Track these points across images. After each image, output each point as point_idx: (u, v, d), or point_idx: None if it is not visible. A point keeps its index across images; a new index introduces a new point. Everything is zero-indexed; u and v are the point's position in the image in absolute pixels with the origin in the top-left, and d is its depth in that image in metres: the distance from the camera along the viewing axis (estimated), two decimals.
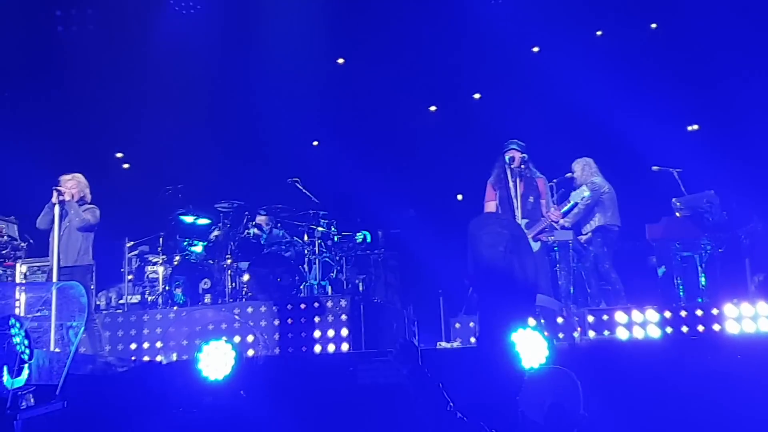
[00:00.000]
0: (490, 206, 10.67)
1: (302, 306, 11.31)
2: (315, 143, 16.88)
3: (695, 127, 15.04)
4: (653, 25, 15.65)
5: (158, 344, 11.34)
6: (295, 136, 16.15)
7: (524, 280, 8.20)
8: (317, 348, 11.02)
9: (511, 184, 10.58)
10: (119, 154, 16.81)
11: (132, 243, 12.97)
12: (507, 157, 10.65)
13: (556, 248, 11.21)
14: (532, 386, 7.60)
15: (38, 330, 9.76)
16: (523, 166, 10.64)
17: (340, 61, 16.98)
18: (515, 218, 10.34)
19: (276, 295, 11.68)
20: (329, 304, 11.29)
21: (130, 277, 12.85)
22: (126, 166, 16.74)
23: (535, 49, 16.03)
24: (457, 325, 11.11)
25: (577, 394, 7.62)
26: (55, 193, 10.51)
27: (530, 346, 7.72)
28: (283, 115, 15.82)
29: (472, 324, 10.81)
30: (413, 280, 13.53)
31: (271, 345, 11.08)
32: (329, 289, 12.22)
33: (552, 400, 7.69)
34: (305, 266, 12.41)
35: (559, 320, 10.34)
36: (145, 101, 15.84)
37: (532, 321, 8.73)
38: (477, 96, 16.41)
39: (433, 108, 16.78)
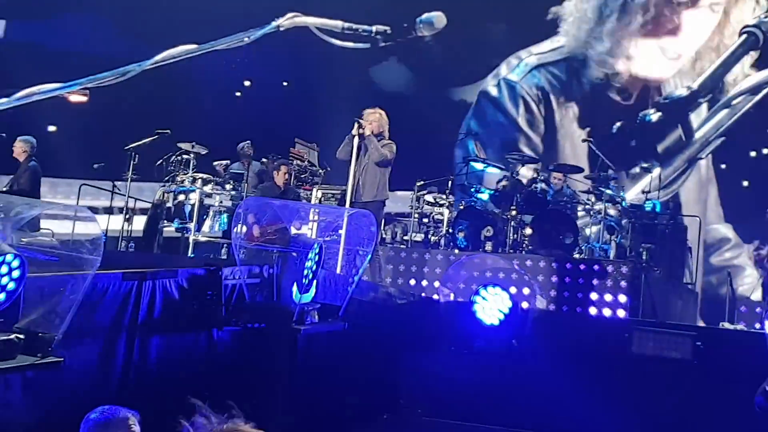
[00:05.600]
0: None
1: (582, 266, 11.17)
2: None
3: None
4: None
5: (436, 284, 11.57)
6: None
7: None
8: (592, 310, 10.88)
9: None
10: None
11: (422, 183, 13.25)
12: None
13: None
14: None
15: (327, 252, 10.23)
16: None
17: None
18: None
19: (556, 252, 11.59)
20: (609, 268, 11.07)
21: (416, 215, 13.18)
22: None
23: None
24: (743, 308, 10.63)
25: None
26: (356, 126, 10.78)
27: None
28: None
29: (759, 309, 10.31)
30: (701, 255, 13.02)
31: (546, 300, 11.04)
32: (611, 253, 11.99)
33: None
34: (589, 227, 12.23)
35: None
36: None
37: None
38: None
39: None
